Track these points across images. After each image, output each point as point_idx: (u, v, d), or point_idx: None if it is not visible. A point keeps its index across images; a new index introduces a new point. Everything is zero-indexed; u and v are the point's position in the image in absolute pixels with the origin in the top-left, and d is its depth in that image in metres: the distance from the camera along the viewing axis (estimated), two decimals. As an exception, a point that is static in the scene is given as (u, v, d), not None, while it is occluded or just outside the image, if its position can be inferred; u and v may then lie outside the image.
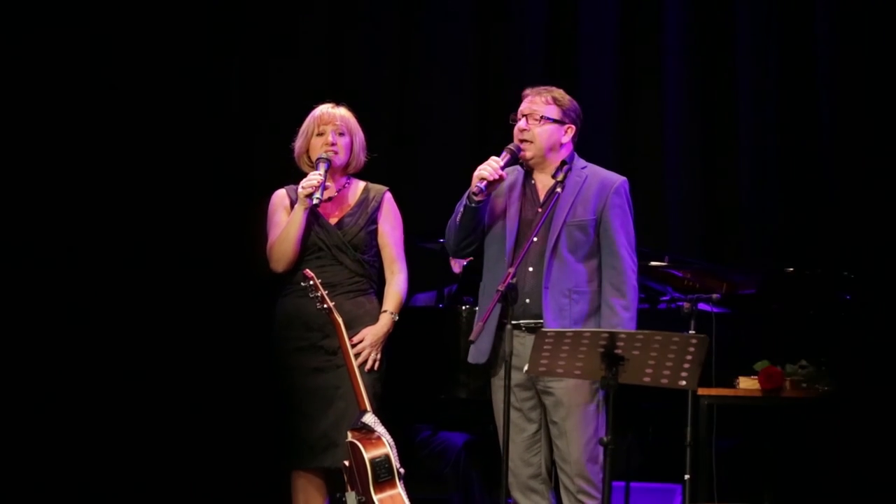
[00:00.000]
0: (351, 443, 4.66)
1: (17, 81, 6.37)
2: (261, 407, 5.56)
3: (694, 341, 3.98)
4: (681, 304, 5.51)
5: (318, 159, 4.94)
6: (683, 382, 4.02)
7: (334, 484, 4.86)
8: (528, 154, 4.64)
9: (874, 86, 6.62)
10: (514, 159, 4.64)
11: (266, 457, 5.24)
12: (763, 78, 6.87)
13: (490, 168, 4.56)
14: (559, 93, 4.68)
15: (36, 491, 6.22)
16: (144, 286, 6.50)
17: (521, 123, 4.64)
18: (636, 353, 3.99)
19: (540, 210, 4.61)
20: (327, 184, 4.93)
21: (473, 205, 4.59)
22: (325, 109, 5.03)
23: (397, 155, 6.86)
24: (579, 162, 4.69)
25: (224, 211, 6.54)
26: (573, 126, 4.66)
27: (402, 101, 7.12)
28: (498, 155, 4.61)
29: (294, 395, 4.90)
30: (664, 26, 6.99)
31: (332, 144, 4.96)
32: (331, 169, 4.95)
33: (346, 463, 4.69)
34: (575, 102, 4.70)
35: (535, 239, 4.54)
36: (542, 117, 4.62)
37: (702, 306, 5.78)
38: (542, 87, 4.69)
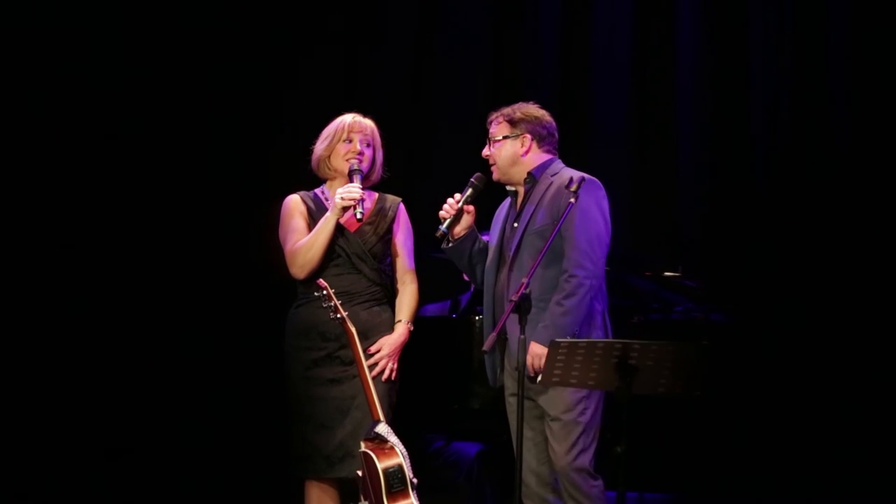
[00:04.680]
0: (364, 453, 4.65)
1: (35, 83, 6.41)
2: (272, 416, 5.56)
3: (707, 351, 3.99)
4: (694, 314, 5.52)
5: (350, 171, 4.91)
6: (698, 392, 4.02)
7: (347, 493, 4.86)
8: (495, 176, 4.72)
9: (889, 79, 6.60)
10: (478, 188, 4.67)
11: (278, 466, 5.24)
12: (777, 83, 6.86)
13: (446, 207, 4.66)
14: (511, 108, 4.70)
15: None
16: (158, 294, 6.53)
17: (484, 150, 4.73)
18: (650, 363, 4.00)
19: (516, 225, 4.64)
20: (363, 196, 4.89)
21: (446, 245, 4.72)
22: (355, 117, 5.00)
23: (410, 161, 6.86)
24: (554, 168, 4.67)
25: (234, 219, 6.56)
26: (528, 135, 4.65)
27: (414, 108, 7.13)
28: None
29: (310, 406, 4.88)
30: (677, 37, 7.00)
31: (360, 153, 4.95)
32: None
33: (360, 473, 4.69)
34: (532, 110, 4.69)
35: (509, 253, 4.59)
36: (496, 139, 4.68)
37: (715, 316, 5.79)
38: (497, 111, 4.73)
